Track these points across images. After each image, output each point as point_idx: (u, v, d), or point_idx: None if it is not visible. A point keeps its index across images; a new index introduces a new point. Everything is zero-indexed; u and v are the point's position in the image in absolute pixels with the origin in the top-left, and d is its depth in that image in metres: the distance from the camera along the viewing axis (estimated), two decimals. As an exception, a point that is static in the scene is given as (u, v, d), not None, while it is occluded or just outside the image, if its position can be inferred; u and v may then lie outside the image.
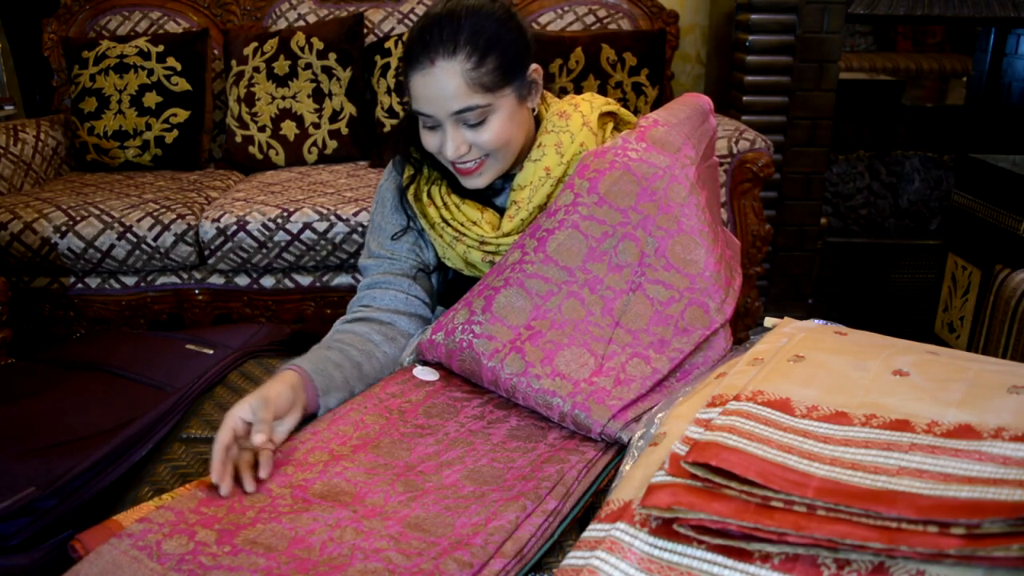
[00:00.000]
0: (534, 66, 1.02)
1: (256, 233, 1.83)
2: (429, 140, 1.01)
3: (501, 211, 1.08)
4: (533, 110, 1.06)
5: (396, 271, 1.08)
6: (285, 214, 1.83)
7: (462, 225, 1.05)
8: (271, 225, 1.83)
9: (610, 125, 1.12)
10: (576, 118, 1.06)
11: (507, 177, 1.08)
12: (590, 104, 1.09)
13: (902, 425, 0.63)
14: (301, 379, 0.88)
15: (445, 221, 1.06)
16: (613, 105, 1.11)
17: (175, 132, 2.26)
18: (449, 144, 0.97)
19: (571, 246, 0.95)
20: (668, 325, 0.91)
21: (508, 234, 1.04)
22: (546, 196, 1.04)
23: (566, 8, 2.43)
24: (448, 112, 0.95)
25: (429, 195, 1.08)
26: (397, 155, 1.12)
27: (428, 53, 0.93)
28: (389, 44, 2.27)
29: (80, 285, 1.91)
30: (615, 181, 0.96)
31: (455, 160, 1.00)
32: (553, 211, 0.98)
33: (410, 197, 1.09)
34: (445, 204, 1.07)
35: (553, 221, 0.97)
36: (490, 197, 1.10)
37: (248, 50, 2.27)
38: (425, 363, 1.02)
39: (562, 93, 1.15)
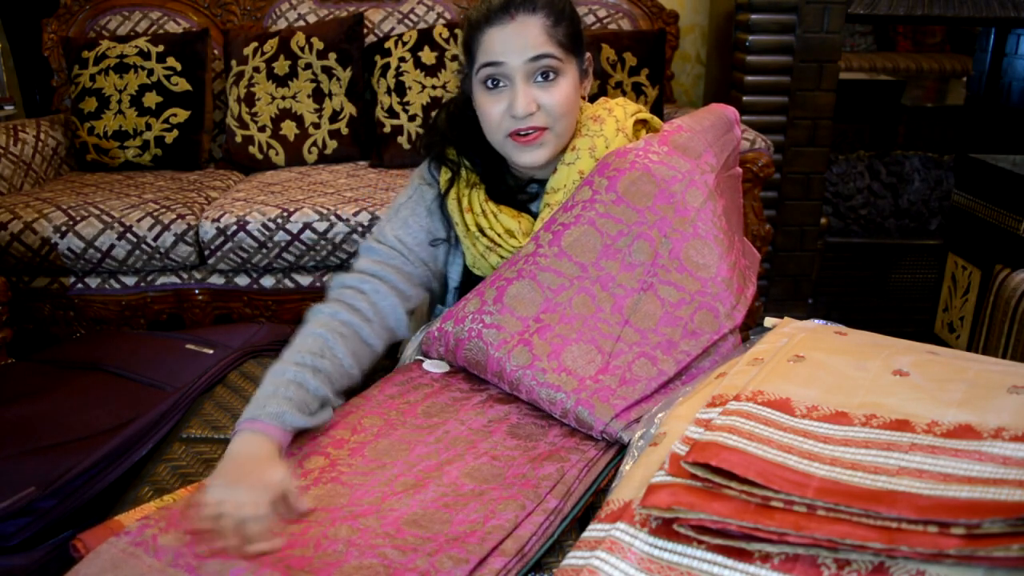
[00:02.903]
0: (588, 55, 1.05)
1: (256, 233, 1.83)
2: (492, 107, 0.99)
3: (536, 217, 1.08)
4: (585, 98, 1.08)
5: (402, 271, 1.04)
6: (285, 214, 1.83)
7: (499, 236, 1.04)
8: (271, 225, 1.83)
9: (643, 132, 1.12)
10: (610, 123, 1.06)
11: (541, 182, 1.08)
12: (624, 109, 1.09)
13: (902, 425, 0.63)
14: (281, 446, 0.80)
15: (481, 230, 1.04)
16: (645, 112, 1.12)
17: (175, 132, 2.26)
18: (520, 99, 0.96)
19: (586, 242, 0.95)
20: (677, 327, 0.91)
21: None
22: None
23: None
24: (524, 58, 0.96)
25: (469, 201, 1.06)
26: (432, 159, 1.09)
27: (508, 10, 0.96)
28: (389, 44, 2.27)
29: (80, 285, 1.91)
30: (634, 181, 0.97)
31: (519, 122, 0.98)
32: (570, 206, 0.99)
33: (451, 202, 1.06)
34: (484, 211, 1.05)
35: (569, 216, 0.98)
36: (526, 203, 1.10)
37: (248, 50, 2.27)
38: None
39: None
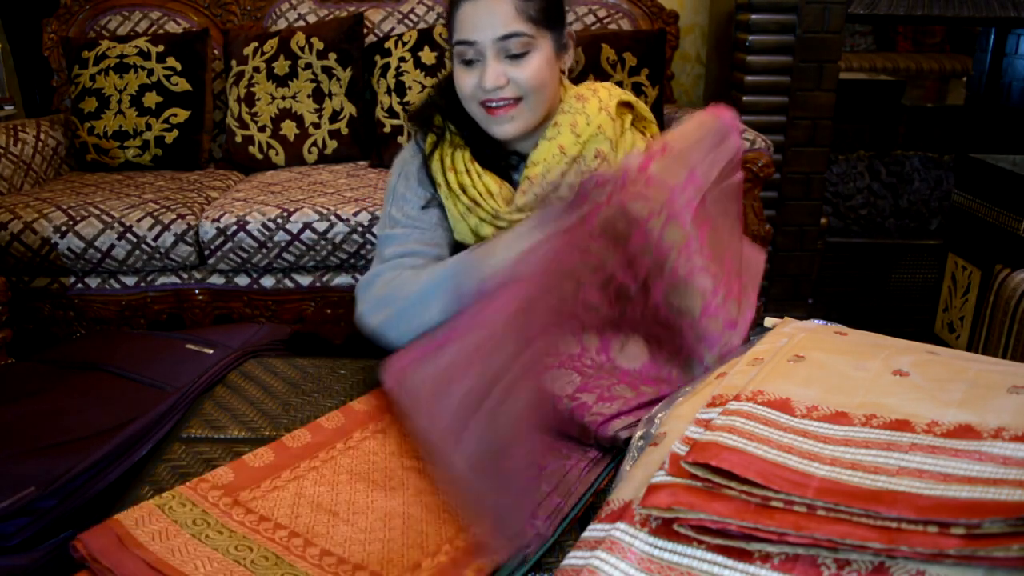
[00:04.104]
0: (569, 30, 1.07)
1: (256, 233, 1.83)
2: (466, 80, 1.02)
3: (516, 188, 1.09)
4: (564, 73, 1.09)
5: (428, 241, 1.05)
6: (285, 214, 1.83)
7: (480, 196, 1.05)
8: (271, 225, 1.83)
9: (628, 117, 1.12)
10: (593, 102, 1.08)
11: (523, 155, 1.10)
12: (608, 91, 1.11)
13: (902, 425, 0.63)
14: None
15: (463, 188, 1.06)
16: (631, 96, 1.13)
17: (175, 132, 2.26)
18: (489, 74, 0.99)
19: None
20: (660, 373, 0.91)
21: (521, 209, 1.04)
22: (560, 174, 1.05)
23: (566, 8, 2.43)
24: (494, 37, 0.98)
25: (452, 160, 1.08)
26: (418, 130, 1.12)
27: None
28: (389, 44, 2.27)
29: (80, 285, 1.91)
30: (608, 219, 0.91)
31: (490, 94, 1.00)
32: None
33: (435, 164, 1.08)
34: (467, 171, 1.07)
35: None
36: (508, 171, 1.11)
37: (248, 50, 2.27)
38: None
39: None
